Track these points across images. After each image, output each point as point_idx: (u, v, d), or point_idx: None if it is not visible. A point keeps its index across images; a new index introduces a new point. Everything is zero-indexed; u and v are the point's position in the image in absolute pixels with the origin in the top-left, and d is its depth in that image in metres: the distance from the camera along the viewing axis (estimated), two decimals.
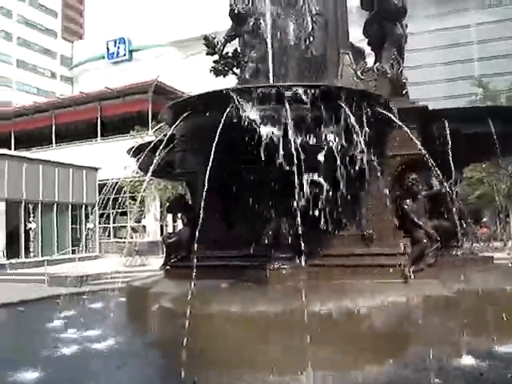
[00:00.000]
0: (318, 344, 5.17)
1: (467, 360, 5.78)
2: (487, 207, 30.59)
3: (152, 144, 7.42)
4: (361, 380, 5.33)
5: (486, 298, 6.27)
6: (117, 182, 12.09)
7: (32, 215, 28.59)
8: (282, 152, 5.67)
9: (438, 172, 6.35)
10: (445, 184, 6.95)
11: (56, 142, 47.17)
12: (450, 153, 6.81)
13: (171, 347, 6.29)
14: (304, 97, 5.66)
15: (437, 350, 5.82)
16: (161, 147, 6.70)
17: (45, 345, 7.04)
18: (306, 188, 5.79)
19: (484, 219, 30.14)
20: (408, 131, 6.41)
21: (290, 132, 5.48)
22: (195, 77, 44.93)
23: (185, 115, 5.96)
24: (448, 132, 7.06)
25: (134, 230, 35.71)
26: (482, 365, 5.68)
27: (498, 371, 5.52)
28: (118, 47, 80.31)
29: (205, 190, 5.56)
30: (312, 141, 5.87)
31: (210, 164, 5.41)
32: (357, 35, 9.14)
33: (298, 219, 5.54)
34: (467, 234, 7.94)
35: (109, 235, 39.88)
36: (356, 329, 5.71)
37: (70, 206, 31.54)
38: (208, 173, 5.38)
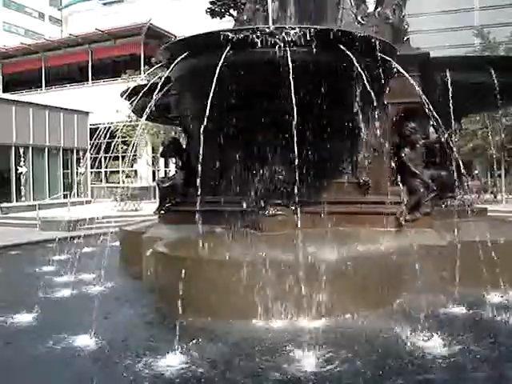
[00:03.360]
0: (312, 290, 5.22)
1: (457, 308, 5.91)
2: (479, 160, 30.66)
3: (147, 86, 7.22)
4: (352, 325, 5.41)
5: (480, 248, 6.31)
6: (109, 127, 11.88)
7: (23, 159, 28.30)
8: (280, 97, 5.54)
9: (439, 121, 6.24)
10: (444, 134, 6.88)
11: (46, 86, 46.22)
12: (451, 102, 6.69)
13: (164, 292, 6.35)
14: (304, 40, 5.50)
15: (428, 297, 5.93)
16: (157, 90, 6.53)
17: (39, 288, 7.06)
18: (302, 135, 5.68)
19: (475, 171, 30.26)
20: (410, 79, 6.27)
21: (290, 76, 5.32)
22: (188, 20, 43.80)
23: (183, 56, 5.78)
24: (449, 81, 6.91)
25: (126, 174, 35.58)
26: (472, 312, 5.82)
27: (487, 318, 5.65)
28: None
29: (201, 134, 5.45)
30: (310, 87, 5.74)
31: (208, 107, 5.28)
32: None
33: (295, 166, 5.46)
34: (462, 185, 7.93)
35: (101, 180, 39.72)
36: (349, 276, 5.74)
37: (61, 151, 31.20)
38: (206, 116, 5.25)
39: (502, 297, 6.26)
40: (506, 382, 4.36)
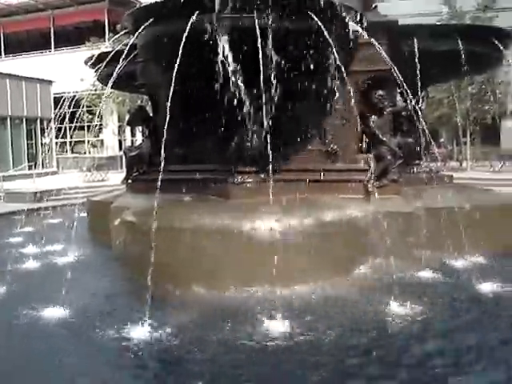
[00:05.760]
0: (278, 257, 5.25)
1: (422, 273, 6.05)
2: (445, 128, 31.11)
3: (112, 53, 7.05)
4: (318, 291, 5.50)
5: (446, 214, 6.45)
6: (74, 96, 11.60)
7: None
8: (247, 63, 5.48)
9: (406, 89, 6.28)
10: (411, 102, 6.92)
11: (5, 53, 44.79)
12: (418, 70, 6.73)
13: (133, 261, 6.34)
14: (273, 7, 5.44)
15: (394, 262, 6.06)
16: (122, 57, 6.38)
17: (6, 260, 6.95)
18: (271, 102, 5.66)
19: (441, 139, 30.75)
20: (378, 46, 6.27)
21: (258, 43, 5.25)
22: None
23: (148, 23, 5.64)
24: (416, 49, 6.94)
25: (92, 144, 35.03)
26: (436, 277, 5.97)
27: (450, 282, 5.82)
28: None
29: (168, 101, 5.37)
30: (279, 53, 5.68)
31: (174, 75, 5.20)
32: None
33: (263, 134, 5.45)
34: (428, 153, 8.05)
35: (66, 151, 39.01)
36: (317, 242, 5.81)
37: (24, 120, 30.49)
38: (173, 84, 5.17)
39: (466, 261, 6.41)
40: None
